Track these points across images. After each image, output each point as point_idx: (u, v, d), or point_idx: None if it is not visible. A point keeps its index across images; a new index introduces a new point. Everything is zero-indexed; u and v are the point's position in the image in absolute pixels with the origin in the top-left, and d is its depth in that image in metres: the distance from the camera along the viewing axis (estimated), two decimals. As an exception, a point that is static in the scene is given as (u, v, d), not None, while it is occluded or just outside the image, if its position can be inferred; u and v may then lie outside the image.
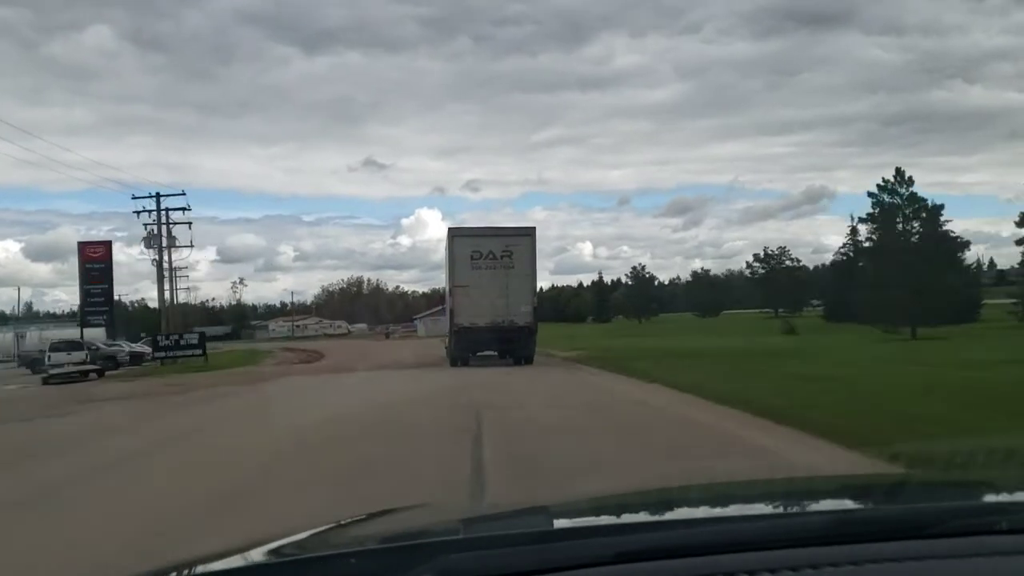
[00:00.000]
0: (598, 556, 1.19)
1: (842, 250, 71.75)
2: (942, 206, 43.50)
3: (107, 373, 33.29)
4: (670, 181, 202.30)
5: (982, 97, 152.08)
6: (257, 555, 1.41)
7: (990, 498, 1.89)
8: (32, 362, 39.65)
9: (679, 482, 3.33)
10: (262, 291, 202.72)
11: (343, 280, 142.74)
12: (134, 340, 53.93)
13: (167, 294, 44.23)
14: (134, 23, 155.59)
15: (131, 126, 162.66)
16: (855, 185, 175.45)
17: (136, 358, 41.14)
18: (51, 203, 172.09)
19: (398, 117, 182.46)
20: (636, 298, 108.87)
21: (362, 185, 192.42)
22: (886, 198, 43.31)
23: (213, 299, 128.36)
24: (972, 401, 10.47)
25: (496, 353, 24.94)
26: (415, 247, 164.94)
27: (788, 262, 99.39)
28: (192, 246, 47.25)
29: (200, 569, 1.37)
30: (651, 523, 1.64)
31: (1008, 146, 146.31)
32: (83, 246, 56.25)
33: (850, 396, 11.53)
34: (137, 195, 42.57)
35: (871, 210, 43.99)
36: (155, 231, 42.10)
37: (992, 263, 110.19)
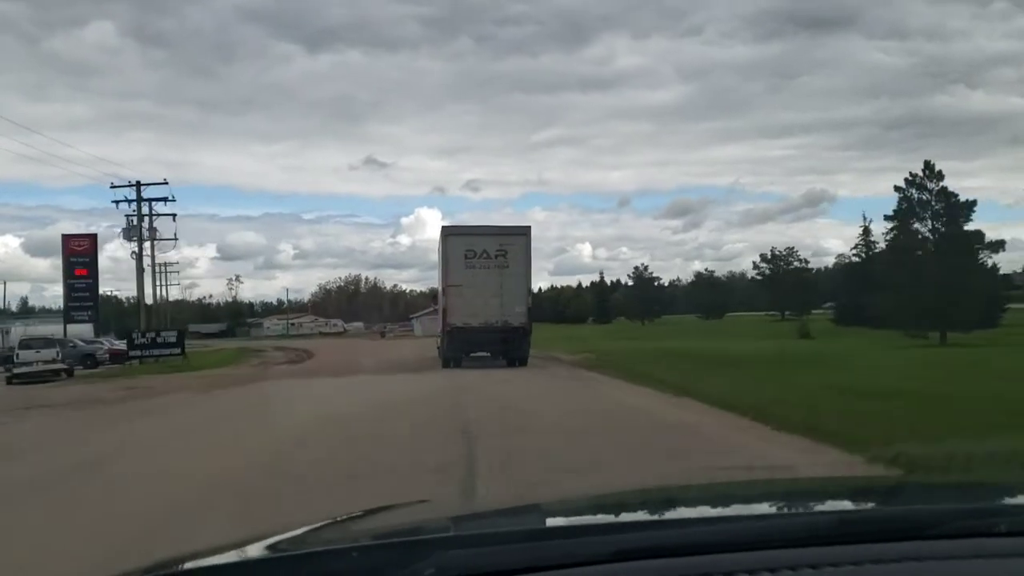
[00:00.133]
0: (596, 554, 1.18)
1: (853, 251, 69.81)
2: (974, 202, 40.65)
3: (85, 371, 31.64)
4: (670, 183, 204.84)
5: (984, 102, 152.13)
6: (254, 550, 1.40)
7: (990, 500, 1.83)
8: (3, 360, 37.55)
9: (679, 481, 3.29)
10: (262, 289, 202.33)
11: (340, 278, 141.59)
12: (124, 337, 52.02)
13: (155, 289, 41.89)
14: (136, 19, 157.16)
15: (132, 122, 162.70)
16: (855, 189, 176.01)
17: (117, 356, 39.01)
18: (51, 199, 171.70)
19: (399, 116, 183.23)
20: (638, 299, 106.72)
21: (362, 184, 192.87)
22: (914, 193, 40.41)
23: (210, 296, 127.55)
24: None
25: (489, 354, 24.36)
26: (415, 246, 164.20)
27: (796, 263, 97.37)
28: (176, 239, 45.16)
29: (196, 564, 1.33)
30: (650, 522, 1.62)
31: (1010, 151, 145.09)
32: (67, 239, 54.13)
33: (955, 422, 8.92)
34: (116, 184, 40.17)
35: (898, 206, 40.91)
36: (135, 222, 39.77)
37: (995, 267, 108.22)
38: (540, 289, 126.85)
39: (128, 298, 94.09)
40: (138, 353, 33.06)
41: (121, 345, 43.46)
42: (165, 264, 78.99)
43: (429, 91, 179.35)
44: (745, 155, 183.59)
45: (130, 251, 40.23)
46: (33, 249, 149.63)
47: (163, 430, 11.73)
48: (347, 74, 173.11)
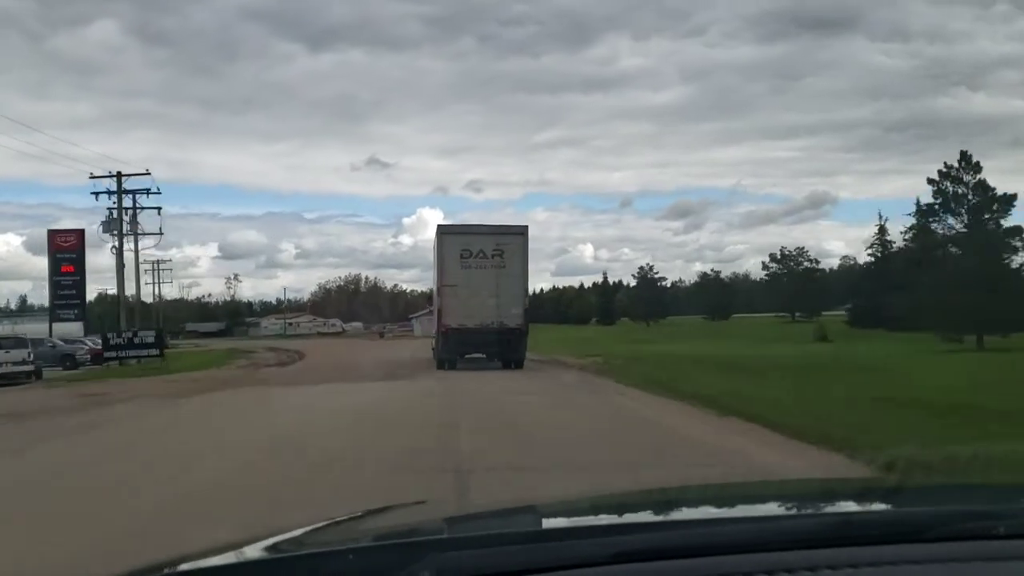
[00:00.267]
0: (594, 556, 1.17)
1: (868, 251, 67.63)
2: (1014, 196, 37.75)
3: (64, 372, 29.64)
4: (672, 184, 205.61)
5: (986, 104, 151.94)
6: (252, 551, 1.39)
7: (989, 503, 1.79)
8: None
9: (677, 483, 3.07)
10: (263, 288, 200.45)
11: (340, 278, 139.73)
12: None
13: (139, 286, 39.63)
14: (139, 18, 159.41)
15: (135, 121, 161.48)
16: (857, 191, 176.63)
17: (99, 357, 36.79)
18: (53, 197, 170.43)
19: (401, 116, 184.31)
20: (643, 300, 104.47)
21: (364, 184, 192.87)
22: (949, 186, 37.53)
23: (209, 295, 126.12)
24: None
25: (484, 356, 23.90)
26: (416, 246, 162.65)
27: (806, 263, 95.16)
28: (161, 233, 42.85)
29: (194, 565, 1.33)
30: (648, 523, 1.61)
31: (1011, 153, 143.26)
32: (53, 234, 52.33)
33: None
34: (95, 175, 37.85)
35: (933, 200, 37.92)
36: (116, 215, 37.51)
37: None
38: (542, 290, 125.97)
39: (129, 296, 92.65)
40: (113, 354, 30.77)
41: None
42: (157, 261, 77.46)
43: (431, 91, 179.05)
44: (747, 156, 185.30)
45: (110, 246, 37.85)
46: (35, 247, 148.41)
47: (72, 455, 9.28)
48: (349, 73, 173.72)
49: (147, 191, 38.84)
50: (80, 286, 50.87)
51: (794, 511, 1.73)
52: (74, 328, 48.21)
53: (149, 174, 39.09)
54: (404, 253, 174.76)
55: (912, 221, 42.20)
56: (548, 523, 1.74)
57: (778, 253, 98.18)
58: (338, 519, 1.69)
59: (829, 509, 1.74)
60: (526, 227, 24.87)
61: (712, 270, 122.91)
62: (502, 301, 22.98)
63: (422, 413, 12.68)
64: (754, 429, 9.26)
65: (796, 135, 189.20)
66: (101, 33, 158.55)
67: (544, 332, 56.63)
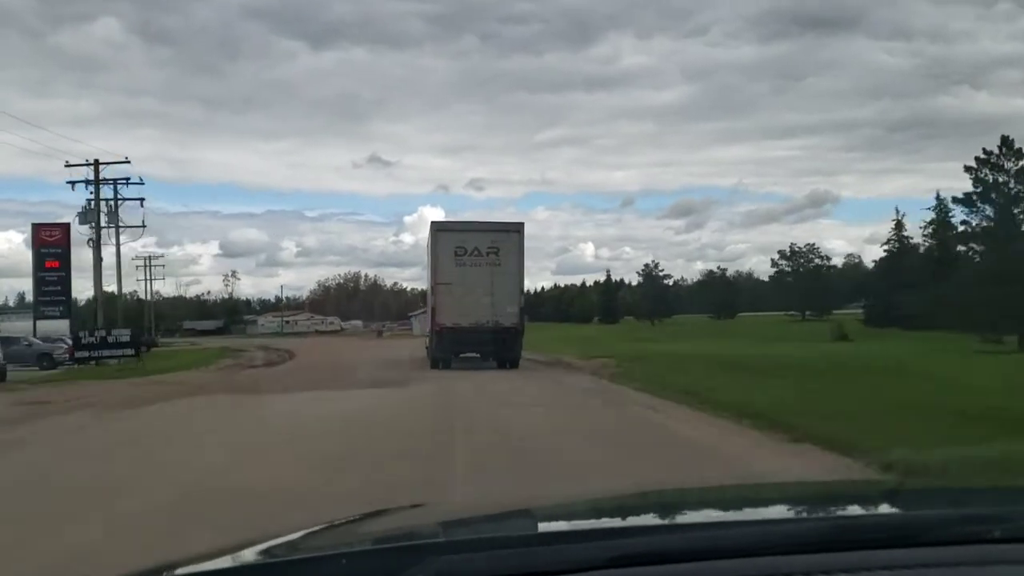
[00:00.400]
0: (592, 559, 1.16)
1: (885, 247, 65.41)
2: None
3: (41, 372, 27.64)
4: (674, 183, 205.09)
5: (988, 103, 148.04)
6: (248, 555, 1.37)
7: (984, 506, 1.77)
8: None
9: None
10: (264, 286, 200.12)
11: (340, 275, 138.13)
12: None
13: (120, 283, 37.42)
14: (142, 16, 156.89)
15: (137, 119, 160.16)
16: (859, 190, 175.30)
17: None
18: (55, 194, 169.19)
19: (403, 114, 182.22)
20: (648, 299, 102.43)
21: (365, 182, 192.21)
22: (988, 174, 35.02)
23: (208, 292, 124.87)
24: None
25: (479, 355, 23.56)
26: (417, 244, 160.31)
27: (816, 260, 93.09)
28: (144, 226, 40.74)
29: (190, 569, 1.33)
30: (646, 527, 1.60)
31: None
32: (38, 228, 49.90)
33: None
34: (72, 163, 35.64)
35: (973, 189, 35.18)
36: (93, 206, 35.33)
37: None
38: (543, 288, 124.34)
39: (129, 294, 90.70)
40: (85, 354, 28.67)
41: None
42: (149, 258, 75.50)
43: (433, 89, 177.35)
44: (749, 156, 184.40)
45: (87, 239, 35.65)
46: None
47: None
48: (351, 72, 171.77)
49: (127, 180, 36.65)
50: (66, 282, 48.69)
51: (790, 515, 1.73)
52: (60, 326, 46.24)
53: (128, 162, 36.93)
54: (405, 251, 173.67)
55: (931, 216, 39.95)
56: (547, 526, 1.70)
57: (787, 250, 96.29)
58: (335, 523, 1.67)
59: (825, 513, 1.74)
60: (521, 224, 24.30)
61: (719, 267, 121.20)
62: (497, 299, 22.64)
63: (414, 429, 10.41)
64: (853, 467, 6.81)
65: (797, 134, 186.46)
66: (103, 31, 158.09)
67: (546, 331, 54.53)
